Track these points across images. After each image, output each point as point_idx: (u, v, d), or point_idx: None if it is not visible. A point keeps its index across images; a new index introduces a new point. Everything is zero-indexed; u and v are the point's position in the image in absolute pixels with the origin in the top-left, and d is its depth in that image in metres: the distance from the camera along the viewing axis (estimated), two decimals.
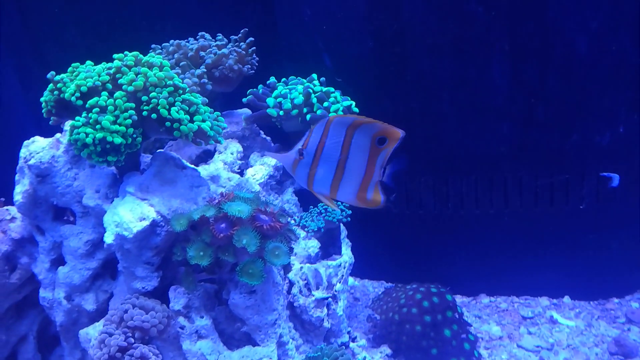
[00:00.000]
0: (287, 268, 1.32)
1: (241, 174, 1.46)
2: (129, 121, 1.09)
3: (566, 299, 1.75)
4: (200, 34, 1.62)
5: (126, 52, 1.20)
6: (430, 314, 1.44)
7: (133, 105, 1.13)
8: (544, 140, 1.70)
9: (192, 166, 1.27)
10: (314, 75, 1.57)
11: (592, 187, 1.71)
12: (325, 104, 1.50)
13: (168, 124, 1.11)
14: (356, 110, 1.53)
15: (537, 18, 1.60)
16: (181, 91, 1.20)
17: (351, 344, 1.37)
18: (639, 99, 1.68)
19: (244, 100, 1.55)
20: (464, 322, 1.50)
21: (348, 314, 1.73)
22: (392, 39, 1.70)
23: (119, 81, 1.14)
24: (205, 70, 1.52)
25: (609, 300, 1.74)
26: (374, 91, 1.76)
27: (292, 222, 1.42)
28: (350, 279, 1.96)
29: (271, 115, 1.48)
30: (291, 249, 1.13)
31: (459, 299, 1.80)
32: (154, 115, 1.12)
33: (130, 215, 1.11)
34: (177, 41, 1.56)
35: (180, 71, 1.50)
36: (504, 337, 1.58)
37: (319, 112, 1.47)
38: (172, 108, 1.11)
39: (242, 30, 1.61)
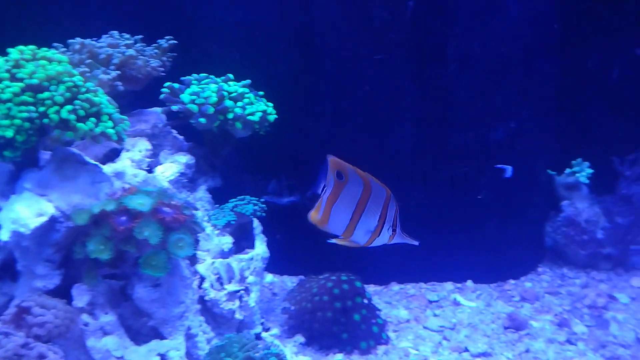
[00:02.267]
0: (195, 261, 1.33)
1: (150, 172, 1.46)
2: (24, 114, 1.08)
3: (469, 283, 1.87)
4: (109, 33, 1.61)
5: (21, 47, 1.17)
6: (341, 300, 1.50)
7: (30, 99, 1.11)
8: (445, 136, 1.82)
9: (95, 162, 1.26)
10: (230, 75, 1.59)
11: (488, 179, 1.86)
12: (240, 104, 1.53)
13: (59, 122, 1.09)
14: (272, 118, 1.56)
15: (437, 20, 1.73)
16: (84, 89, 1.19)
17: (263, 334, 1.41)
18: (527, 96, 1.85)
19: (162, 97, 1.54)
20: (373, 307, 1.58)
21: (265, 309, 1.76)
22: (305, 40, 1.77)
23: (17, 75, 1.12)
24: (114, 69, 1.51)
25: (507, 282, 1.88)
26: (288, 92, 1.82)
27: (200, 214, 1.43)
28: (270, 276, 2.00)
29: (191, 112, 1.47)
30: (196, 241, 1.16)
31: (371, 287, 1.88)
32: (50, 111, 1.11)
33: (27, 211, 1.09)
34: (81, 39, 1.54)
35: (87, 70, 1.48)
36: (411, 320, 1.67)
37: (236, 109, 1.49)
38: (66, 107, 1.10)
39: (166, 37, 1.62)
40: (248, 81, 1.61)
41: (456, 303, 1.76)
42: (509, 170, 1.85)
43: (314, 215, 1.15)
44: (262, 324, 1.46)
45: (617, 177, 1.90)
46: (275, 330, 1.47)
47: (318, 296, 1.51)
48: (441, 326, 1.63)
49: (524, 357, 1.46)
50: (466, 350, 1.50)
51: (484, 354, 1.48)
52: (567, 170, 2.01)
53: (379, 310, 1.62)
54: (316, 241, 1.96)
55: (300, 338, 1.53)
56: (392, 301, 1.79)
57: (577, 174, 1.98)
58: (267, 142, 1.81)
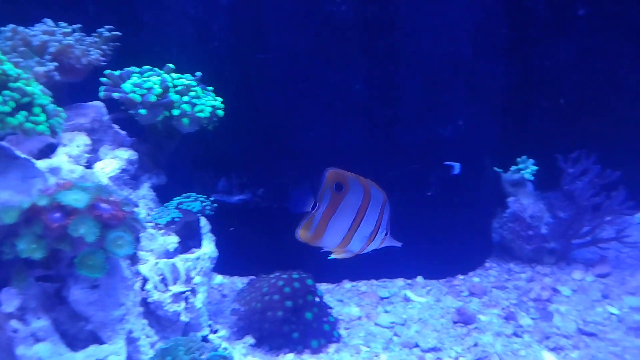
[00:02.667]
0: (136, 261, 1.27)
1: (89, 167, 1.38)
2: None
3: (419, 279, 1.89)
4: (42, 20, 1.51)
5: None
6: (292, 299, 1.47)
7: None
8: (395, 134, 1.83)
9: (27, 157, 1.18)
10: (171, 66, 1.54)
11: (437, 176, 1.88)
12: (185, 98, 1.48)
13: None
14: (221, 113, 1.51)
15: (387, 18, 1.73)
16: (12, 78, 1.11)
17: (210, 336, 1.36)
18: (473, 94, 1.88)
19: (101, 88, 1.46)
20: (324, 305, 1.56)
21: (214, 311, 1.71)
22: (254, 35, 1.73)
23: None
24: (51, 59, 1.42)
25: (456, 277, 1.91)
26: (236, 88, 1.77)
27: (143, 213, 1.37)
28: (219, 277, 1.94)
29: (133, 102, 1.40)
30: (137, 239, 1.10)
31: (324, 286, 1.86)
32: None
33: None
34: (14, 25, 1.44)
35: (20, 59, 1.39)
36: (362, 317, 1.66)
37: (183, 105, 1.43)
38: None
39: (107, 27, 1.54)
40: (198, 74, 1.56)
41: (407, 299, 1.77)
42: (457, 167, 1.88)
43: (304, 233, 1.14)
44: (209, 326, 1.41)
45: (561, 174, 1.96)
46: (223, 332, 1.43)
47: (268, 295, 1.47)
48: (392, 322, 1.63)
49: (472, 350, 1.47)
50: (416, 345, 1.50)
51: (433, 349, 1.49)
52: (513, 168, 2.07)
53: (331, 308, 1.60)
54: (267, 240, 1.94)
55: (250, 339, 1.50)
56: (344, 299, 1.78)
57: (523, 171, 2.03)
58: (216, 138, 1.76)
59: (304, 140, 1.82)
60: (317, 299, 1.53)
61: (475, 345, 1.49)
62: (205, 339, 1.32)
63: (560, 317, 1.62)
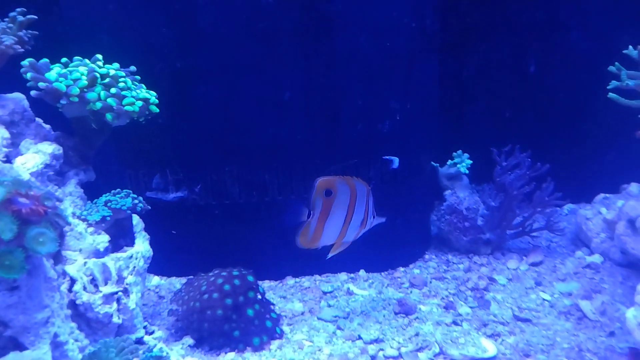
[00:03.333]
0: (60, 260, 1.18)
1: (8, 162, 1.28)
2: None
3: (362, 272, 1.90)
4: None
5: None
6: (232, 296, 1.43)
7: None
8: (336, 130, 1.83)
9: None
10: (98, 56, 1.45)
11: (377, 170, 1.89)
12: (113, 90, 1.40)
13: None
14: (155, 109, 1.44)
15: (326, 15, 1.72)
16: None
17: (146, 338, 1.29)
18: (410, 91, 1.92)
19: (22, 71, 1.34)
20: (266, 302, 1.53)
21: (151, 313, 1.64)
22: (190, 25, 1.67)
23: None
24: None
25: (397, 269, 1.93)
26: (170, 81, 1.71)
27: (70, 210, 1.28)
28: (156, 278, 1.87)
29: (58, 92, 1.30)
30: (61, 235, 1.02)
31: (267, 283, 1.83)
32: None
33: None
34: None
35: None
36: (305, 312, 1.64)
37: (110, 100, 1.35)
38: None
39: (19, 10, 1.42)
40: (133, 68, 1.48)
41: (350, 292, 1.77)
42: (395, 161, 1.90)
43: (303, 240, 1.31)
44: (144, 327, 1.34)
45: (494, 166, 2.03)
46: (159, 333, 1.36)
47: (207, 294, 1.42)
48: (335, 316, 1.62)
49: (414, 340, 1.49)
50: (359, 338, 1.50)
51: (376, 340, 1.49)
52: (449, 162, 2.12)
53: (273, 304, 1.57)
54: (207, 239, 1.88)
55: (189, 340, 1.44)
56: (287, 295, 1.75)
57: (458, 165, 2.09)
58: (149, 132, 1.69)
59: (244, 136, 1.78)
60: (259, 296, 1.50)
61: (417, 335, 1.51)
62: (140, 341, 1.25)
63: (497, 305, 1.68)
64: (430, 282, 1.84)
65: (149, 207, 1.45)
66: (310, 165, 1.84)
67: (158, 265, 1.84)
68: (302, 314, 1.64)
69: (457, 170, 2.10)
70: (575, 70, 2.28)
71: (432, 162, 2.14)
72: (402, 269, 1.95)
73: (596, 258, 1.88)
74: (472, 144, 2.18)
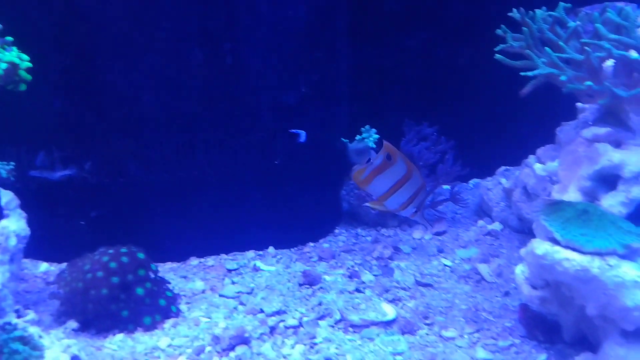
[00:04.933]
0: None
1: None
2: None
3: (270, 249, 1.85)
4: None
5: None
6: (119, 275, 1.34)
7: None
8: (239, 102, 1.76)
9: None
10: None
11: (284, 144, 1.85)
12: None
13: None
14: (26, 74, 1.30)
15: None
16: None
17: (14, 321, 1.17)
18: (316, 63, 1.89)
19: None
20: (160, 280, 1.45)
21: (35, 300, 1.51)
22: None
23: None
24: None
25: (307, 245, 1.91)
26: (53, 46, 1.57)
27: None
28: (45, 264, 1.73)
29: None
30: None
31: (169, 265, 1.74)
32: None
33: None
34: None
35: None
36: (206, 290, 1.58)
37: None
38: None
39: None
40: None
41: (256, 269, 1.72)
42: (302, 135, 1.87)
43: (357, 176, 1.50)
44: (16, 311, 1.21)
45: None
46: (32, 316, 1.24)
47: (91, 273, 1.32)
48: (238, 292, 1.57)
49: (316, 309, 1.47)
50: (261, 311, 1.46)
51: (278, 312, 1.45)
52: (358, 137, 2.12)
53: (169, 282, 1.49)
54: (100, 220, 1.75)
55: (72, 324, 1.33)
56: (188, 275, 1.67)
57: (366, 139, 2.09)
58: (30, 104, 1.54)
59: (139, 108, 1.67)
60: (151, 274, 1.41)
61: (320, 304, 1.49)
62: (8, 324, 1.13)
63: (400, 272, 1.69)
64: (339, 255, 1.83)
65: (13, 178, 1.32)
66: (211, 139, 1.77)
67: (47, 250, 1.71)
68: (203, 292, 1.57)
69: (365, 144, 2.09)
70: (478, 50, 2.35)
71: (342, 139, 2.13)
72: (311, 244, 1.92)
73: (496, 226, 1.94)
74: (384, 121, 2.18)
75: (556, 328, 1.31)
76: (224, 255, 1.81)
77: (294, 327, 1.40)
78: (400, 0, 2.32)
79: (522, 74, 1.21)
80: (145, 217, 1.75)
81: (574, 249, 1.07)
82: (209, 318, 1.42)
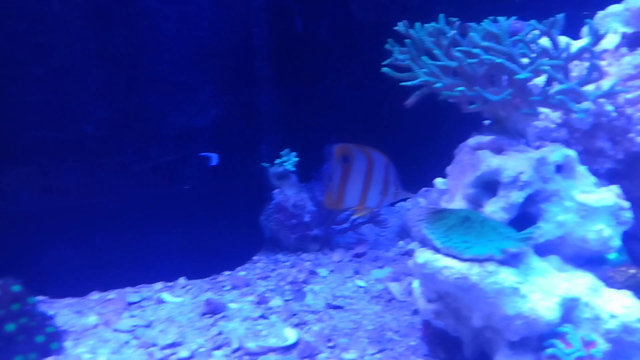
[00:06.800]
0: None
1: None
2: None
3: (181, 280, 1.76)
4: None
5: None
6: None
7: None
8: (144, 125, 1.70)
9: None
10: None
11: (194, 168, 1.79)
12: None
13: None
14: None
15: (129, 9, 1.62)
16: None
17: None
18: (228, 84, 1.85)
19: None
20: (39, 315, 1.34)
21: None
22: None
23: None
24: None
25: (221, 274, 1.82)
26: None
27: None
28: None
29: None
30: None
31: (67, 300, 1.62)
32: None
33: None
34: None
35: None
36: (99, 325, 1.47)
37: None
38: None
39: None
40: None
41: (160, 301, 1.62)
42: (214, 158, 1.82)
43: (329, 201, 1.37)
44: None
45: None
46: None
47: None
48: (134, 325, 1.46)
49: (216, 339, 1.38)
50: (154, 345, 1.36)
51: (172, 345, 1.36)
52: (277, 161, 2.08)
53: (50, 318, 1.38)
54: None
55: None
56: (84, 309, 1.56)
57: (285, 163, 2.05)
58: None
59: (36, 132, 1.59)
60: (29, 308, 1.30)
61: (219, 333, 1.41)
62: None
63: (312, 296, 1.62)
64: (255, 282, 1.75)
65: None
66: (114, 164, 1.69)
67: None
68: (95, 326, 1.46)
69: (284, 168, 2.06)
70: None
71: (263, 163, 2.09)
72: (227, 272, 1.84)
73: (415, 245, 1.91)
74: (305, 144, 2.16)
75: (458, 345, 1.26)
76: (128, 288, 1.71)
77: (186, 359, 1.30)
78: (322, 26, 2.35)
79: (401, 84, 1.20)
80: (40, 248, 1.64)
81: (454, 257, 1.04)
82: (93, 354, 1.31)
